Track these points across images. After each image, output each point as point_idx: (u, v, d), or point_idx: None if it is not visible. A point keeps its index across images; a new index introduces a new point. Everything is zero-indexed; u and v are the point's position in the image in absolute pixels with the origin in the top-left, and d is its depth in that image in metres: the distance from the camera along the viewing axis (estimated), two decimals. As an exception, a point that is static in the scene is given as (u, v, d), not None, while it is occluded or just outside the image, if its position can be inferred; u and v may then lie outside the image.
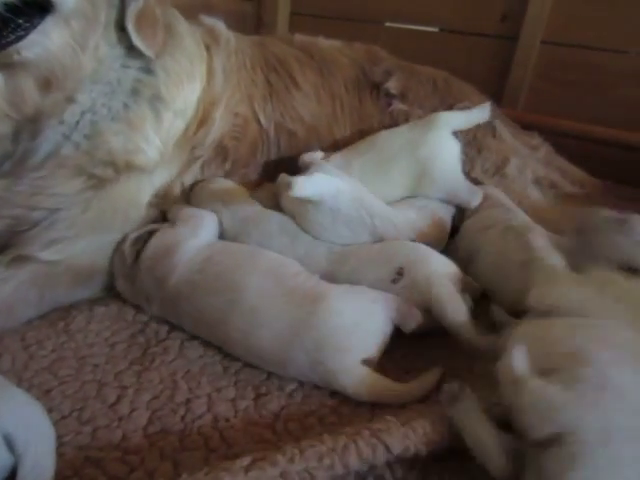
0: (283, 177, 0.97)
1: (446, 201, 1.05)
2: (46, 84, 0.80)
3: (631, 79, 1.50)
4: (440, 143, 1.05)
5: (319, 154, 1.08)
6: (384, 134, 1.10)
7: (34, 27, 0.75)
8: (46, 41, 0.77)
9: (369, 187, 0.97)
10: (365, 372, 0.70)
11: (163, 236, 0.89)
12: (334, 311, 0.72)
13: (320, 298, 0.73)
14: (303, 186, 0.84)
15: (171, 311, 0.83)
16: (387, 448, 0.57)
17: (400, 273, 0.80)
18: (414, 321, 0.75)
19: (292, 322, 0.72)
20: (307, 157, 1.05)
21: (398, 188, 1.04)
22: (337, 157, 1.07)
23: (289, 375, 0.73)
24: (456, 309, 0.76)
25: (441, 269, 0.82)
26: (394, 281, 0.80)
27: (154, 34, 0.88)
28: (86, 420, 0.66)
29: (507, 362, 0.57)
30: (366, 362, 0.71)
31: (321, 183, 0.87)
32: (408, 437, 0.58)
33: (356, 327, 0.72)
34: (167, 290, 0.81)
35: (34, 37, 0.75)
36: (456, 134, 1.09)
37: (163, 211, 0.99)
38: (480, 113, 1.11)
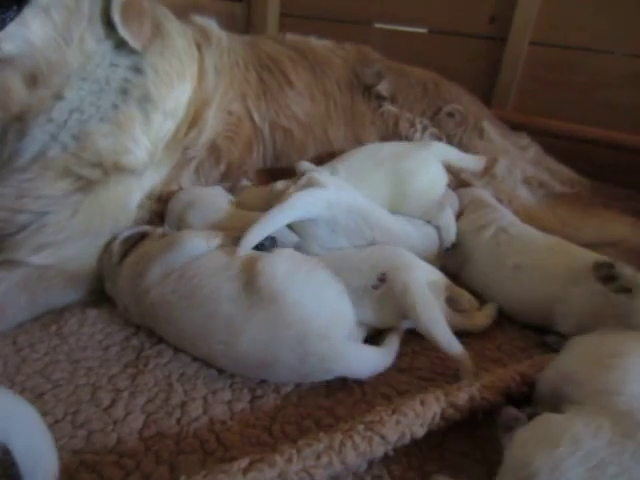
0: (276, 185, 0.96)
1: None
2: (32, 80, 0.79)
3: (618, 80, 1.52)
4: (425, 163, 1.03)
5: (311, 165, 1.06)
6: (375, 143, 1.11)
7: (11, 19, 0.73)
8: (27, 33, 0.75)
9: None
10: (356, 347, 0.72)
11: (145, 246, 0.87)
12: (293, 305, 0.71)
13: (274, 298, 0.72)
14: (246, 242, 0.80)
15: (153, 325, 0.81)
16: (383, 438, 0.57)
17: (382, 279, 0.79)
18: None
19: (263, 325, 0.71)
20: (301, 165, 1.04)
21: (377, 198, 0.98)
22: (328, 163, 1.07)
23: (282, 379, 0.73)
24: (431, 318, 0.75)
25: (423, 276, 0.81)
26: (375, 287, 0.78)
27: (141, 25, 0.86)
28: (80, 424, 0.65)
29: None
30: (352, 336, 0.73)
31: (304, 203, 0.86)
32: (400, 422, 0.59)
33: (322, 310, 0.72)
34: (145, 307, 0.80)
35: (13, 29, 0.74)
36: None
37: (157, 212, 0.99)
38: (475, 162, 1.12)
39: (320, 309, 0.72)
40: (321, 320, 0.71)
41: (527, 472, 0.45)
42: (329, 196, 0.88)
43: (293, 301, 0.72)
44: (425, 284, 0.79)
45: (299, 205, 0.85)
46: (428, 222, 0.99)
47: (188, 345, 0.78)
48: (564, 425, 0.49)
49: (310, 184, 0.92)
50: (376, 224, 0.90)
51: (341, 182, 0.97)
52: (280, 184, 0.97)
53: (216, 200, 0.98)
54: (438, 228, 0.98)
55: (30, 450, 0.54)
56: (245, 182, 1.08)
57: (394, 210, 0.98)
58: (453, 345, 0.73)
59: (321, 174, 0.97)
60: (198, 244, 0.81)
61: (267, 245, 0.83)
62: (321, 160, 1.16)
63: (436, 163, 1.04)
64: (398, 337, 0.79)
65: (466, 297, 0.88)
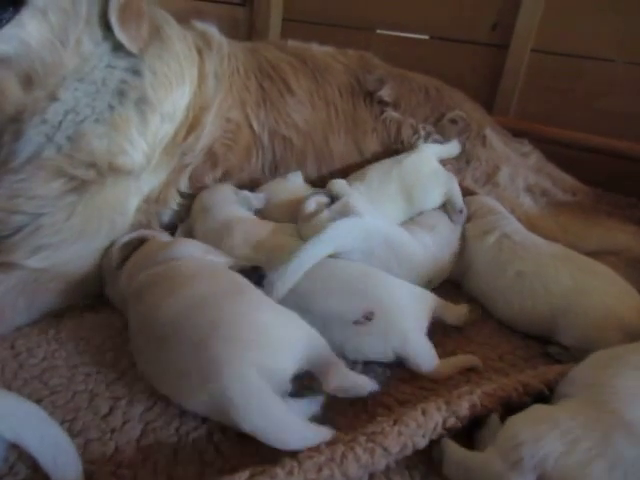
0: (308, 203, 0.94)
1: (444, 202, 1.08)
2: (27, 80, 0.79)
3: (618, 87, 1.52)
4: (423, 160, 1.10)
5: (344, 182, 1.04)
6: (381, 161, 1.12)
7: (7, 21, 0.73)
8: (23, 35, 0.75)
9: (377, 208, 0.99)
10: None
11: (147, 247, 0.86)
12: (256, 304, 0.65)
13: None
14: (284, 285, 0.75)
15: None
16: (385, 449, 0.56)
17: (369, 317, 0.74)
18: (336, 380, 0.64)
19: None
20: (335, 186, 1.00)
21: (396, 209, 1.05)
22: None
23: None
24: (427, 361, 0.75)
25: (416, 316, 0.78)
26: (357, 322, 0.74)
27: (138, 28, 0.86)
28: (77, 432, 0.64)
29: None
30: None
31: (342, 235, 0.82)
32: (402, 433, 0.58)
33: (268, 327, 0.62)
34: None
35: (10, 30, 0.74)
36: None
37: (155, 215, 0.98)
38: (454, 148, 1.19)
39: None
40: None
41: (515, 442, 0.53)
42: (367, 226, 0.87)
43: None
44: (420, 324, 0.78)
45: (337, 237, 0.83)
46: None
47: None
48: (548, 410, 0.59)
49: (346, 211, 0.89)
50: (403, 256, 0.89)
51: (370, 206, 0.96)
52: (312, 203, 0.95)
53: (231, 210, 0.96)
54: (451, 198, 1.06)
55: (45, 440, 0.54)
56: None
57: (414, 212, 1.05)
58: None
59: (357, 200, 0.95)
60: (193, 249, 0.81)
61: (255, 279, 0.76)
62: (321, 167, 1.16)
63: (431, 157, 1.12)
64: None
65: (460, 314, 0.86)
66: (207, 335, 0.58)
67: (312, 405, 0.65)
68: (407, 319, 0.76)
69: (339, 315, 0.75)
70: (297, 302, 0.75)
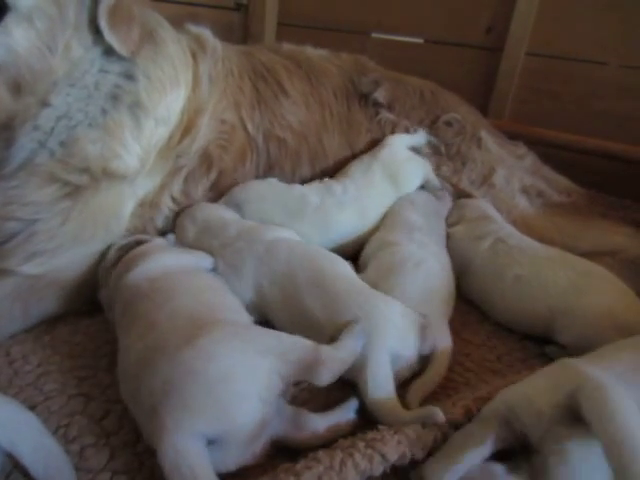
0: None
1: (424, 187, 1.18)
2: (16, 87, 0.78)
3: (611, 90, 1.53)
4: (390, 150, 1.17)
5: None
6: (352, 163, 1.17)
7: None
8: (9, 42, 0.74)
9: (368, 201, 1.07)
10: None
11: (144, 246, 0.86)
12: (206, 354, 0.58)
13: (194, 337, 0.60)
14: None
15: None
16: (383, 457, 0.56)
17: None
18: (327, 373, 0.61)
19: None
20: None
21: (387, 196, 1.11)
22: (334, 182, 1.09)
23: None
24: (381, 397, 0.66)
25: (394, 344, 0.70)
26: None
27: (129, 31, 0.85)
28: (73, 438, 0.64)
29: None
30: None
31: None
32: (401, 442, 0.58)
33: (219, 383, 0.56)
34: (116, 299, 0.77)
35: None
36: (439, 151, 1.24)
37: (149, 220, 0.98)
38: (419, 138, 1.23)
39: (220, 380, 0.57)
40: (203, 389, 0.56)
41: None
42: None
43: (210, 351, 0.59)
44: (388, 362, 0.68)
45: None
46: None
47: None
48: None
49: None
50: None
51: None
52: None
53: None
54: (430, 180, 1.17)
55: (38, 450, 0.54)
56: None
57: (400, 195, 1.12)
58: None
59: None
60: (167, 259, 0.82)
61: None
62: (315, 168, 1.17)
63: (401, 146, 1.19)
64: None
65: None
66: (158, 402, 0.56)
67: (346, 413, 0.65)
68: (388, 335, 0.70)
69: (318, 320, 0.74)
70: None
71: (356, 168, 1.14)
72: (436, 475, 0.55)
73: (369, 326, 0.69)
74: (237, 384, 0.56)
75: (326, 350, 0.63)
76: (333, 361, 0.62)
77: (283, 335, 0.65)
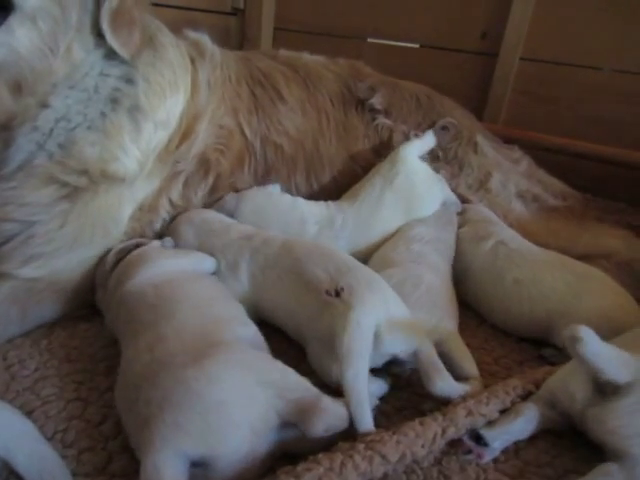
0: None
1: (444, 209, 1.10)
2: (16, 87, 0.78)
3: (605, 95, 1.55)
4: (406, 173, 1.09)
5: None
6: (361, 184, 1.12)
7: None
8: (12, 41, 0.75)
9: (369, 232, 1.04)
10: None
11: (142, 249, 0.87)
12: (208, 377, 0.58)
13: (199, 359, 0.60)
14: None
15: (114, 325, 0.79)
16: (383, 457, 0.56)
17: (337, 294, 0.70)
18: (321, 424, 0.57)
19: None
20: None
21: (396, 218, 1.06)
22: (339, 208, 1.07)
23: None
24: (355, 382, 0.63)
25: (381, 318, 0.69)
26: (327, 293, 0.72)
27: (130, 34, 0.86)
28: (70, 442, 0.64)
29: None
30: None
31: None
32: (401, 442, 0.58)
33: (213, 407, 0.55)
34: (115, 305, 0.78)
35: None
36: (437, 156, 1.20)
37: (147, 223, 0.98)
38: (428, 140, 1.17)
39: (215, 407, 0.56)
40: (196, 416, 0.56)
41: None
42: None
43: (210, 375, 0.59)
44: (371, 333, 0.67)
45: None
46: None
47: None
48: None
49: None
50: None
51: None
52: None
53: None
54: (448, 200, 1.10)
55: (33, 456, 0.54)
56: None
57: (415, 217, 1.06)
58: (364, 421, 0.62)
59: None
60: (167, 264, 0.82)
61: None
62: (311, 173, 1.17)
63: (416, 161, 1.12)
64: None
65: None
66: (152, 415, 0.56)
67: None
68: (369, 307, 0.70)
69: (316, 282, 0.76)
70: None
71: (366, 194, 1.07)
72: (490, 436, 0.63)
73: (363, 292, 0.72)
74: (231, 411, 0.56)
75: (327, 401, 0.60)
76: (331, 414, 0.59)
77: (290, 372, 0.63)
